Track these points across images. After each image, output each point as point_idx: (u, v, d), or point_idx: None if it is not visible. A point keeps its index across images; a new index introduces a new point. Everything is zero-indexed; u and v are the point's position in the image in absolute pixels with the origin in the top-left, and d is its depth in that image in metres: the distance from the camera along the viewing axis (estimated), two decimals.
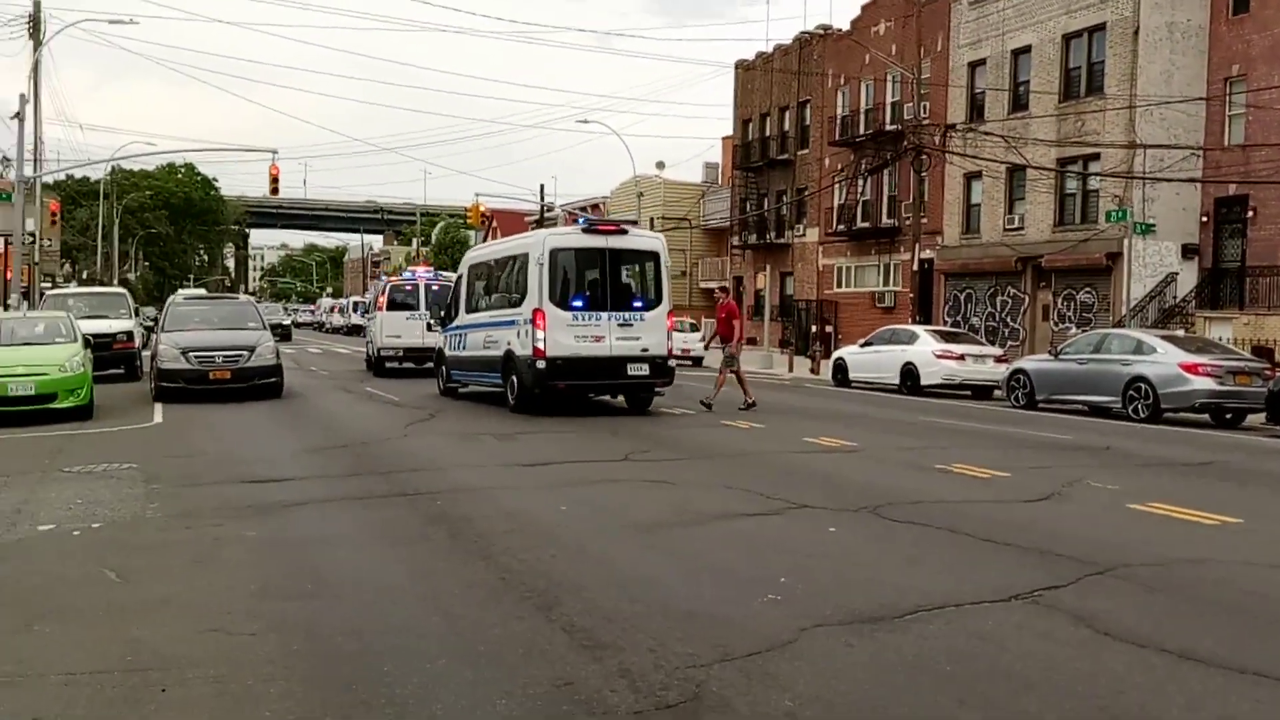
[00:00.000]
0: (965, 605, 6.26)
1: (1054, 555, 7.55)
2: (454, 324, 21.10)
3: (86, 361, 17.34)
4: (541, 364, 16.84)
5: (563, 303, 17.11)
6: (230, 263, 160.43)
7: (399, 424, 15.89)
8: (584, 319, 17.13)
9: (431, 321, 24.10)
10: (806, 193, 46.14)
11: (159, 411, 17.63)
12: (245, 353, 19.75)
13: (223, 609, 6.08)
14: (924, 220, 37.29)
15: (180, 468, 11.66)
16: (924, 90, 38.00)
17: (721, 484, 10.47)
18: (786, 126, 49.01)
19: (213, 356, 19.50)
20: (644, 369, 17.40)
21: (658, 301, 17.79)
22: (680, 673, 5.09)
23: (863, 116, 42.92)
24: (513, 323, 17.86)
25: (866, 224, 42.70)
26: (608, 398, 19.41)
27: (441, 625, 5.83)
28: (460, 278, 21.69)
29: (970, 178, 36.93)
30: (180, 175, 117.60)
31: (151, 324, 22.02)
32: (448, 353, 21.32)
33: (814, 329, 41.40)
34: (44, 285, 45.94)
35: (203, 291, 35.31)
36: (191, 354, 19.40)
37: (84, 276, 73.01)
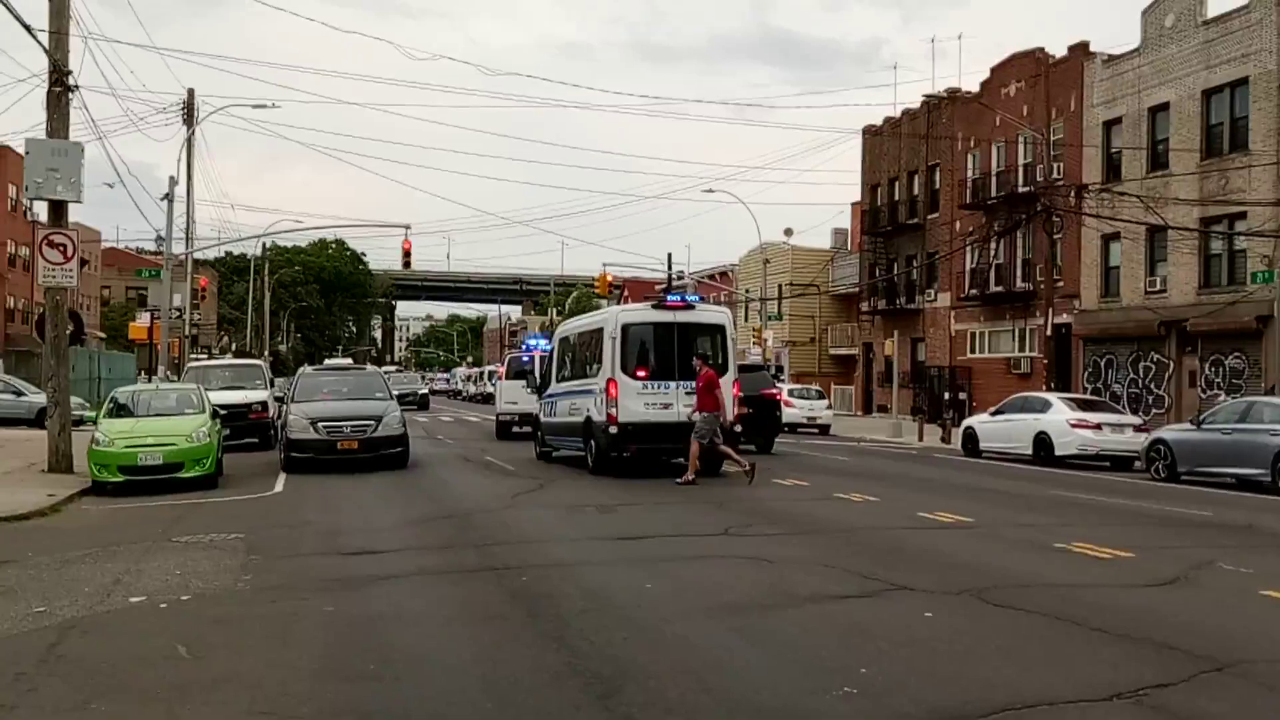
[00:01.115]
0: (1060, 704, 5.76)
1: (1169, 648, 6.93)
2: (547, 392, 22.35)
3: (214, 432, 17.88)
4: (614, 429, 18.17)
5: (633, 373, 18.41)
6: (377, 334, 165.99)
7: (507, 494, 15.88)
8: (653, 388, 18.43)
9: (528, 390, 25.38)
10: (937, 257, 45.20)
11: (281, 481, 18.04)
12: (372, 423, 19.76)
13: (280, 689, 6.01)
14: (1060, 284, 36.08)
15: (284, 538, 11.83)
16: (1057, 151, 36.98)
17: (821, 562, 10.04)
18: (916, 190, 48.27)
19: (341, 427, 19.56)
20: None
21: (723, 371, 18.71)
22: None
23: (994, 179, 41.96)
24: (590, 391, 19.17)
25: (1000, 288, 41.52)
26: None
27: (494, 713, 5.63)
28: (552, 349, 22.97)
29: (1108, 239, 35.58)
30: (331, 250, 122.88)
31: (282, 395, 22.50)
32: (542, 419, 22.63)
33: (946, 396, 40.27)
34: (195, 356, 48.16)
35: (343, 361, 36.38)
36: (320, 424, 19.49)
37: (234, 348, 76.22)
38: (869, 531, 12.19)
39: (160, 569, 9.72)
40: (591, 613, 7.86)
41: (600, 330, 19.34)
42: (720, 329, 19.48)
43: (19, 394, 33.05)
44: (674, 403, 18.39)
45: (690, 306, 19.56)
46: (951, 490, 17.26)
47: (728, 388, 18.63)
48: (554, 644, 7.01)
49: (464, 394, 78.98)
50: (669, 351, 18.69)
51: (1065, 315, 36.57)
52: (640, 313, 19.76)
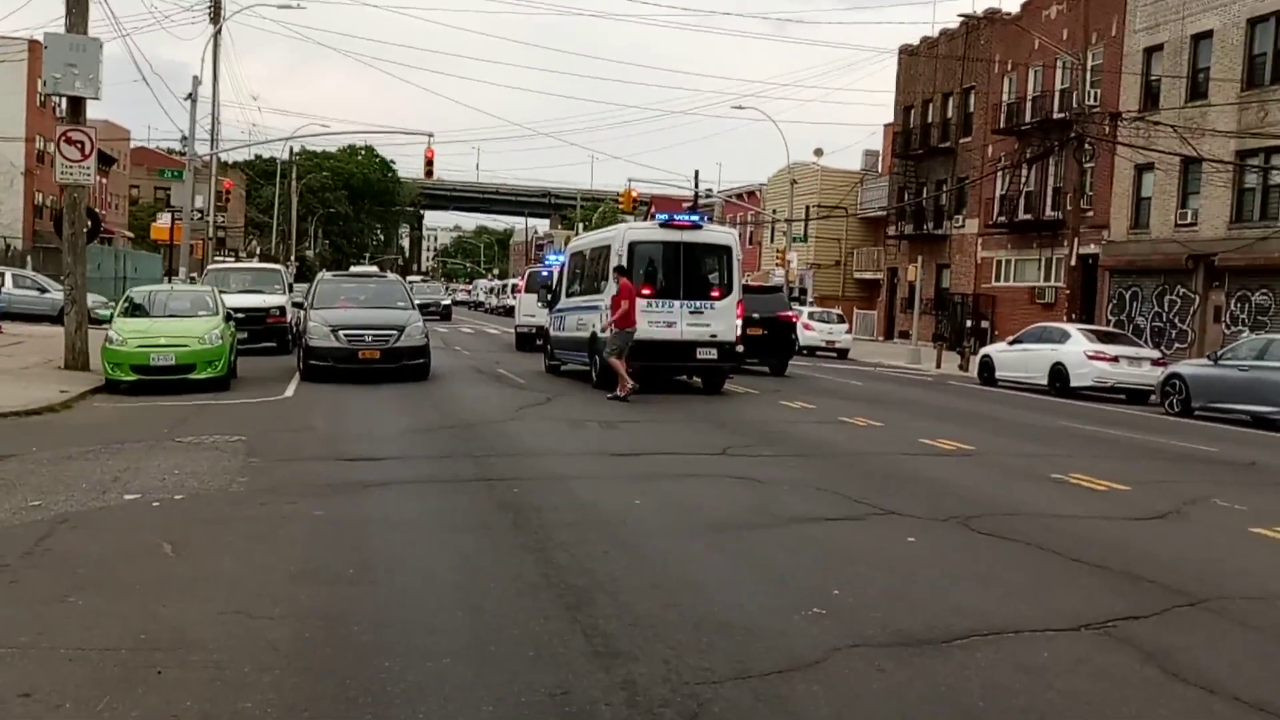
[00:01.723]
0: (1025, 633, 5.78)
1: (1146, 581, 6.93)
2: (556, 307, 22.70)
3: (227, 335, 18.00)
4: None
5: (639, 291, 18.30)
6: (405, 242, 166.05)
7: (513, 407, 15.97)
8: (657, 306, 18.53)
9: (539, 303, 25.62)
10: (967, 182, 44.55)
11: (293, 386, 18.18)
12: (395, 332, 19.21)
13: (255, 590, 6.10)
14: (1089, 214, 35.54)
15: (285, 442, 11.95)
16: (1094, 77, 36.13)
17: (813, 485, 10.07)
18: (949, 113, 47.42)
19: (362, 335, 19.03)
20: (712, 353, 18.78)
21: (728, 291, 19.03)
22: (687, 689, 4.81)
23: (1029, 104, 41.12)
24: (596, 308, 19.28)
25: (1029, 216, 40.96)
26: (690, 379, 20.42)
27: (463, 620, 5.70)
28: (562, 265, 23.01)
29: (1141, 169, 34.91)
30: (360, 157, 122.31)
31: (301, 301, 22.27)
32: (551, 333, 23.05)
33: (968, 324, 40.01)
34: (221, 258, 48.41)
35: (370, 269, 36.33)
36: (341, 332, 18.96)
37: (259, 252, 76.48)
38: (867, 456, 12.20)
39: (159, 468, 9.86)
40: (576, 526, 7.93)
41: (608, 247, 19.52)
42: (727, 249, 19.52)
43: (43, 290, 33.35)
44: (678, 321, 18.65)
45: (698, 226, 19.60)
46: (959, 418, 17.22)
47: (733, 309, 18.95)
48: (534, 555, 7.08)
49: (486, 306, 79.75)
50: (675, 270, 18.94)
51: (1093, 245, 36.06)
52: (648, 231, 19.82)
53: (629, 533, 7.81)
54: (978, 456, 12.56)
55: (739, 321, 19.13)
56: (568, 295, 22.02)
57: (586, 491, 9.38)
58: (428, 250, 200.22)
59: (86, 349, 18.60)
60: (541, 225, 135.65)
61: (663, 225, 19.39)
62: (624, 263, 18.49)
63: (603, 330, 18.58)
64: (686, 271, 18.96)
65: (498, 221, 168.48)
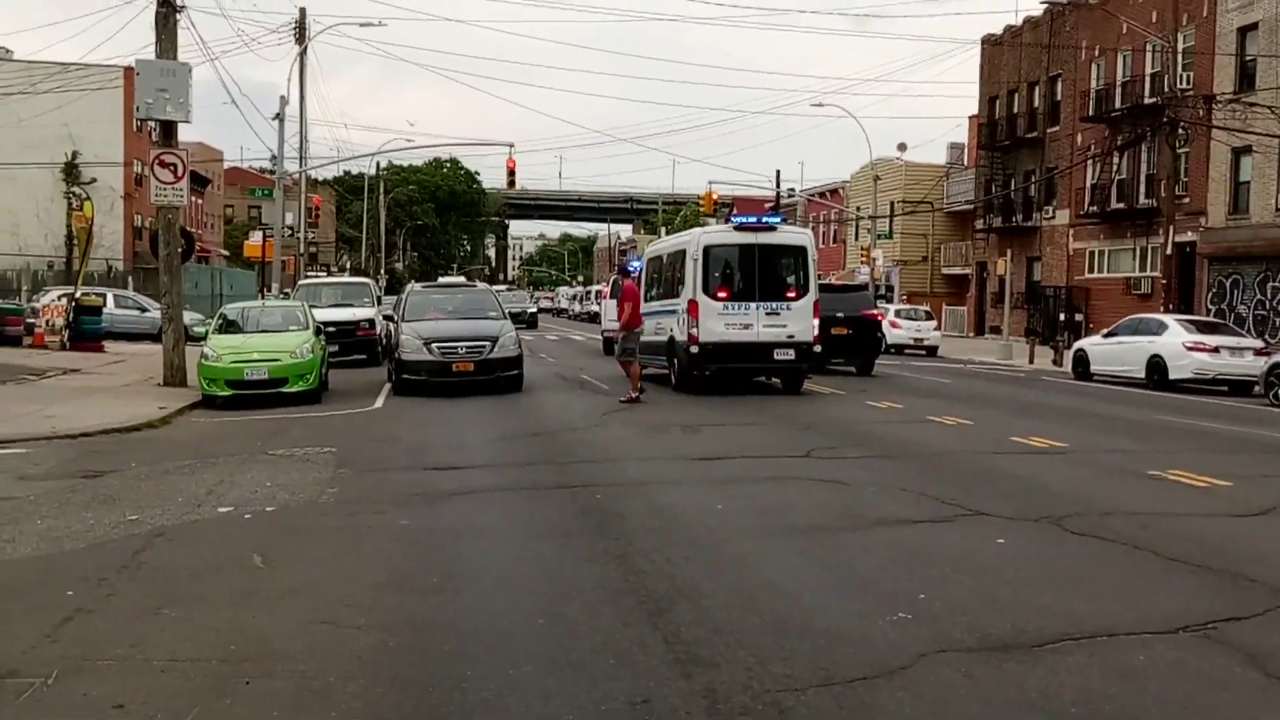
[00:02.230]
0: (1120, 635, 5.61)
1: (1248, 580, 6.68)
2: None
3: (318, 348, 18.37)
4: (695, 349, 18.63)
5: (715, 294, 18.74)
6: (491, 252, 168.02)
7: (596, 412, 16.00)
8: (733, 308, 18.74)
9: (600, 310, 25.73)
10: (1056, 172, 43.54)
11: (382, 397, 18.48)
12: (488, 344, 18.77)
13: (343, 599, 6.20)
14: (1185, 200, 34.48)
15: (375, 452, 12.15)
16: (1186, 59, 35.05)
17: (899, 486, 9.91)
18: (1036, 103, 46.40)
19: (455, 347, 18.66)
20: (790, 354, 18.87)
21: (804, 292, 19.10)
22: (769, 696, 4.77)
23: (1119, 90, 40.03)
24: (674, 311, 19.55)
25: (1122, 205, 39.83)
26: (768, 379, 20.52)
27: (544, 628, 5.72)
28: (640, 270, 22.87)
29: (1238, 153, 33.73)
30: (445, 170, 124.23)
31: (391, 313, 22.34)
32: None
33: (1061, 317, 39.08)
34: (313, 273, 49.50)
35: (457, 280, 36.73)
36: (434, 344, 18.58)
37: (349, 266, 78.01)
38: (955, 455, 11.97)
39: (252, 480, 10.09)
40: (658, 532, 7.91)
41: (684, 251, 19.64)
42: (802, 250, 19.63)
43: (143, 310, 34.40)
44: (754, 323, 18.78)
45: (771, 228, 19.73)
46: (1051, 414, 16.81)
47: (810, 309, 19.03)
48: (615, 561, 7.08)
49: (569, 312, 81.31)
50: (750, 273, 19.05)
51: (1189, 233, 34.96)
52: (722, 234, 20.06)
53: (710, 537, 7.76)
54: (1071, 454, 12.24)
55: (816, 322, 19.13)
56: (646, 300, 21.76)
57: (668, 496, 9.36)
58: (513, 259, 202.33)
59: (184, 365, 19.13)
60: (624, 231, 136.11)
61: (737, 228, 19.63)
62: (700, 265, 18.72)
63: (682, 333, 18.89)
64: (762, 273, 19.08)
65: (581, 228, 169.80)
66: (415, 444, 12.91)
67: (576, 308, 79.87)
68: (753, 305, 18.82)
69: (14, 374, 20.05)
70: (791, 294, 19.07)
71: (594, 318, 70.40)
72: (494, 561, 7.15)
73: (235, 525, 8.23)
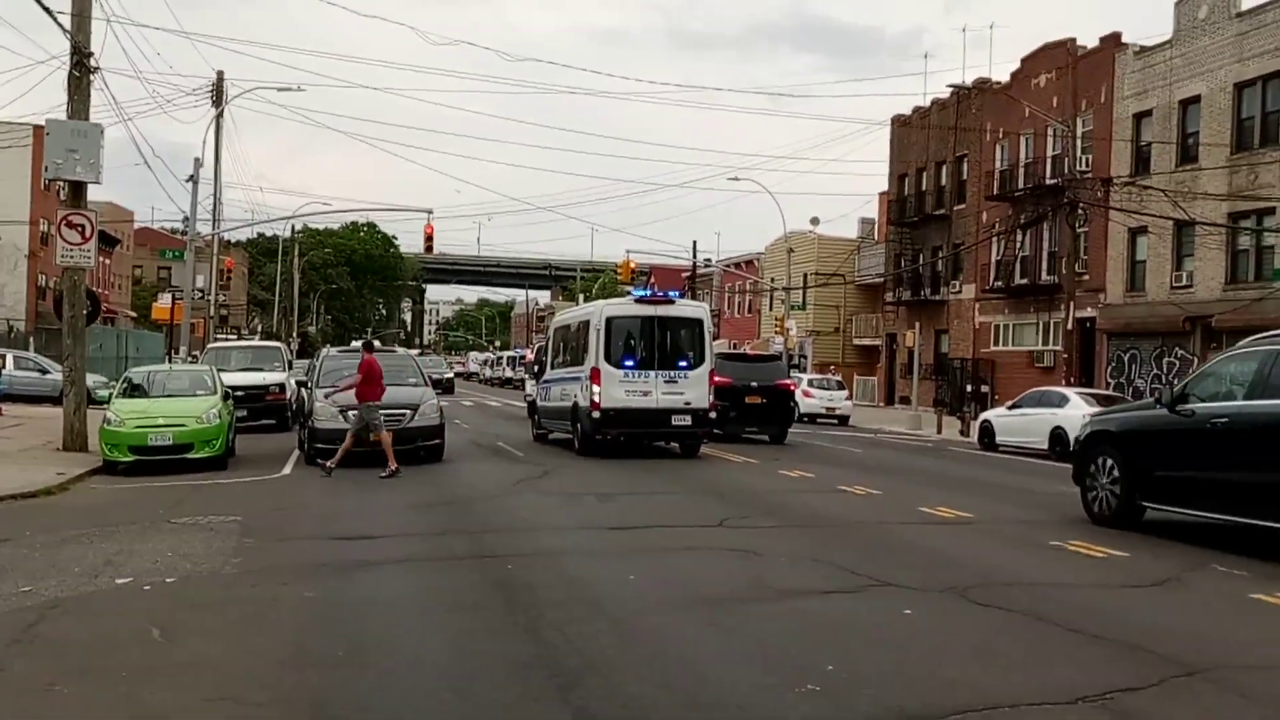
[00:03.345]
0: (1022, 706, 5.71)
1: (1145, 651, 6.85)
2: (543, 378, 24.02)
3: (225, 413, 18.03)
4: (597, 414, 19.66)
5: (616, 362, 19.93)
6: (407, 316, 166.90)
7: (510, 480, 15.93)
8: (633, 376, 19.92)
9: (526, 376, 27.01)
10: (963, 248, 44.88)
11: (290, 464, 18.15)
12: (408, 412, 18.09)
13: (245, 674, 6.05)
14: (1085, 277, 35.75)
15: (280, 521, 11.93)
16: (1085, 143, 36.58)
17: (810, 556, 10.00)
18: (943, 181, 47.93)
19: None
20: (687, 420, 20.07)
21: (700, 361, 20.39)
22: None
23: (1022, 170, 41.59)
24: (578, 378, 20.62)
25: (1025, 280, 41.19)
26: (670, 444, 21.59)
27: (452, 703, 5.64)
28: (547, 338, 24.09)
29: (1135, 233, 35.19)
30: (362, 233, 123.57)
31: (304, 379, 21.59)
32: (538, 403, 24.26)
33: (968, 389, 40.01)
34: (224, 336, 48.64)
35: (375, 343, 36.20)
36: (350, 413, 17.53)
37: (260, 330, 76.78)
38: (865, 526, 12.13)
39: (153, 550, 9.82)
40: (569, 604, 7.87)
41: (588, 322, 20.80)
42: (699, 322, 20.92)
43: (44, 371, 33.46)
44: (653, 390, 19.96)
45: (670, 301, 21.25)
46: (958, 485, 17.16)
47: (705, 377, 20.32)
48: (525, 635, 7.02)
49: (480, 376, 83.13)
50: (650, 343, 20.26)
51: (1090, 309, 36.22)
52: (624, 306, 21.28)
53: (622, 610, 7.75)
54: (977, 524, 12.49)
55: (711, 389, 20.38)
56: (552, 367, 23.10)
57: (580, 567, 9.32)
58: (429, 324, 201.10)
59: (85, 430, 18.62)
60: (543, 297, 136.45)
61: (638, 301, 21.09)
62: (602, 335, 19.89)
63: (585, 399, 19.99)
64: (661, 343, 20.30)
65: (499, 294, 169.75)
66: (324, 512, 12.70)
67: (488, 372, 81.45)
68: (652, 373, 19.98)
69: None
70: (687, 363, 20.27)
71: (505, 382, 72.28)
72: (401, 635, 7.04)
73: (134, 597, 7.99)
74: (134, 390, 18.67)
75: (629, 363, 20.05)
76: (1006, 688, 6.02)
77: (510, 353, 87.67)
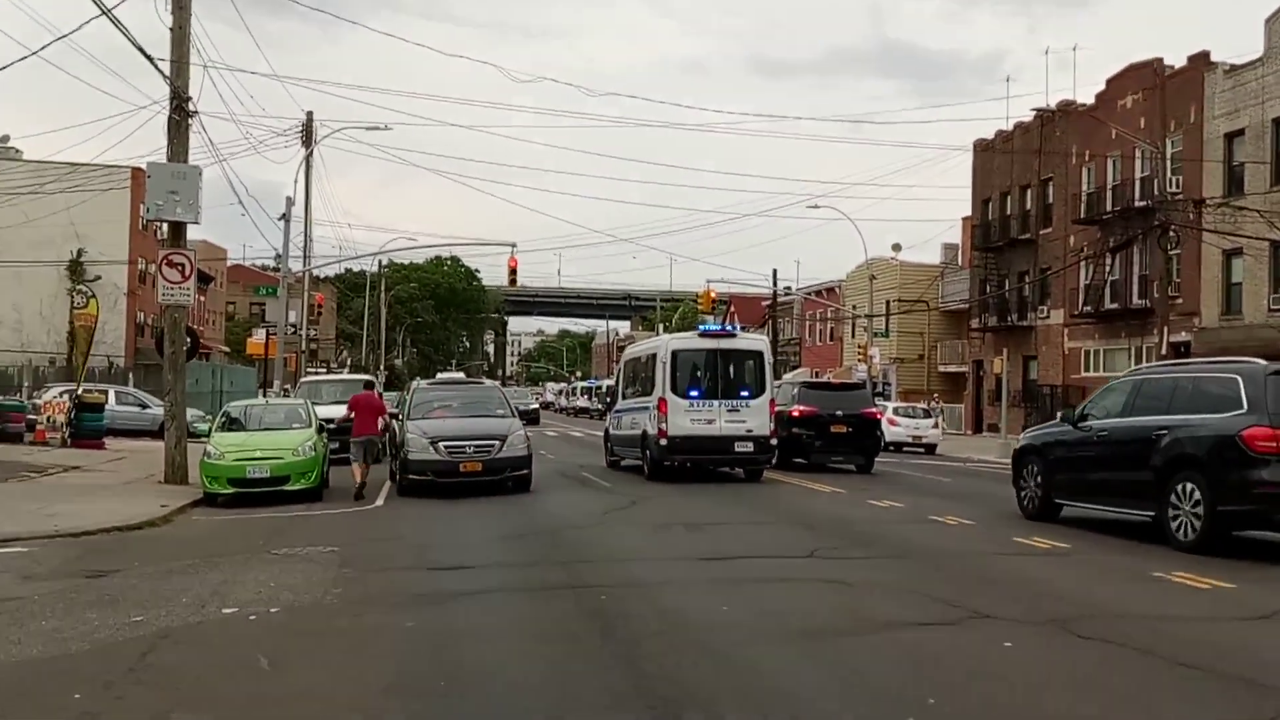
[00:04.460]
0: None
1: (1258, 686, 6.66)
2: (615, 408, 25.48)
3: (320, 446, 18.43)
4: (664, 441, 20.79)
5: (682, 393, 21.01)
6: (490, 348, 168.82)
7: (599, 510, 16.01)
8: (698, 405, 20.98)
9: (600, 406, 28.71)
10: (1050, 273, 44.12)
11: (383, 495, 18.45)
12: (497, 443, 18.33)
13: (350, 704, 6.18)
14: (1178, 301, 34.91)
15: (376, 552, 12.15)
16: (1175, 164, 35.82)
17: (905, 588, 9.89)
18: (1028, 205, 47.24)
19: (463, 447, 18.20)
20: (749, 446, 21.02)
21: (761, 391, 21.43)
22: None
23: (1109, 193, 40.81)
24: (646, 408, 21.79)
25: (1115, 305, 40.33)
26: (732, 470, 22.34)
27: None
28: (619, 371, 25.60)
29: (1229, 255, 34.29)
30: (446, 267, 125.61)
31: (395, 410, 22.03)
32: (610, 431, 25.33)
33: (1058, 416, 39.18)
34: (313, 370, 49.73)
35: (456, 375, 36.83)
36: (441, 444, 18.13)
37: (349, 363, 78.28)
38: (960, 556, 11.95)
39: (256, 581, 10.07)
40: (664, 634, 7.89)
41: (655, 355, 22.03)
42: (759, 354, 22.12)
43: (144, 406, 34.49)
44: (717, 419, 20.97)
45: (732, 335, 23.00)
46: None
47: (766, 406, 21.30)
48: (622, 665, 7.06)
49: (555, 406, 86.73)
50: (713, 374, 21.37)
51: (1183, 333, 35.32)
52: (688, 340, 22.65)
53: (718, 641, 7.74)
54: (1074, 555, 12.22)
55: (772, 417, 21.39)
56: (623, 398, 24.45)
57: (674, 598, 9.33)
58: (512, 355, 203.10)
59: (185, 463, 19.15)
60: (623, 327, 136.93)
61: (701, 335, 22.69)
62: (668, 368, 21.06)
63: (653, 428, 21.10)
64: (723, 375, 21.39)
65: (579, 325, 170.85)
66: (418, 543, 12.90)
67: (563, 401, 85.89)
68: (715, 402, 21.01)
69: (15, 471, 20.05)
70: (749, 393, 21.27)
71: (580, 412, 76.38)
72: (499, 664, 7.12)
73: (241, 627, 8.20)
74: (232, 424, 19.17)
75: (694, 393, 21.07)
76: None
77: (584, 383, 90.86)
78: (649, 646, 7.52)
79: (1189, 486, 12.14)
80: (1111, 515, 14.01)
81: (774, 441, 21.51)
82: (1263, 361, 12.70)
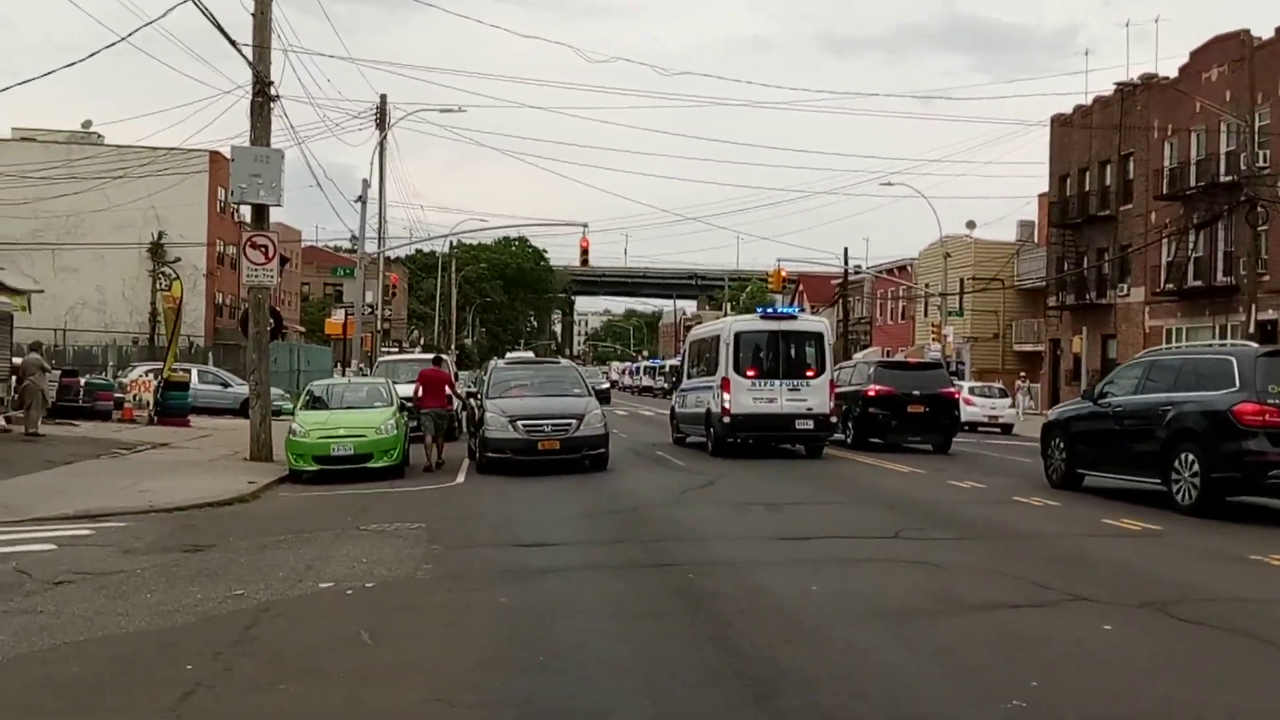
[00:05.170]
0: None
1: None
2: (680, 387, 26.40)
3: (401, 424, 18.69)
4: (727, 419, 21.52)
5: (744, 372, 21.75)
6: (557, 328, 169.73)
7: (676, 489, 16.05)
8: (760, 385, 21.71)
9: (665, 385, 29.76)
10: (1131, 250, 43.14)
11: (463, 472, 18.68)
12: (574, 421, 18.57)
13: (453, 677, 6.28)
14: (1265, 278, 33.95)
15: (461, 529, 12.31)
16: (1262, 138, 34.75)
17: (993, 569, 9.78)
18: (1108, 181, 46.16)
19: (541, 425, 18.39)
20: (809, 424, 21.75)
21: (821, 371, 22.21)
22: None
23: (1193, 168, 39.71)
24: (710, 387, 22.51)
25: (1199, 282, 39.31)
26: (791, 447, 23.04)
27: (652, 711, 5.74)
28: (684, 351, 26.51)
29: None
30: (514, 248, 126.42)
31: (473, 389, 22.28)
32: (676, 410, 26.15)
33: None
34: (386, 350, 50.36)
35: (525, 355, 37.16)
36: (519, 422, 18.35)
37: (422, 342, 79.19)
38: (1047, 538, 11.79)
39: (348, 556, 10.26)
40: (753, 613, 7.90)
41: (719, 337, 22.78)
42: (819, 335, 22.84)
43: (225, 385, 35.23)
44: (778, 397, 21.70)
45: (793, 317, 23.77)
46: (1140, 495, 16.43)
47: (826, 386, 21.98)
48: (714, 643, 7.08)
49: (619, 384, 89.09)
50: (774, 355, 22.15)
51: (1271, 311, 34.35)
52: (750, 322, 23.38)
53: (808, 620, 7.73)
54: (1166, 537, 11.98)
55: (831, 396, 22.05)
56: (689, 377, 25.33)
57: (760, 577, 9.33)
58: (579, 334, 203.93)
59: (270, 441, 19.54)
60: (689, 307, 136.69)
61: (763, 317, 23.30)
62: (731, 349, 21.84)
63: (717, 406, 21.81)
64: (784, 355, 22.14)
65: (646, 304, 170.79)
66: (501, 520, 13.05)
67: (627, 380, 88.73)
68: (777, 382, 21.76)
69: (107, 448, 20.61)
70: (810, 373, 21.99)
71: (643, 390, 79.02)
72: (594, 640, 7.19)
73: (339, 601, 8.37)
74: (316, 402, 19.50)
75: (755, 372, 21.81)
76: (1225, 708, 5.79)
77: (648, 363, 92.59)
78: (740, 624, 7.54)
79: (1189, 456, 13.43)
80: (1128, 484, 15.19)
81: (834, 420, 22.21)
82: (1255, 345, 14.90)
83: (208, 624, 7.61)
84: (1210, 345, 15.39)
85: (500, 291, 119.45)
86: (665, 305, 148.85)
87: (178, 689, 6.01)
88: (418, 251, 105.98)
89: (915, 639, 7.29)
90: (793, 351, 22.32)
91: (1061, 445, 16.55)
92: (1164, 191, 40.74)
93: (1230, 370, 13.42)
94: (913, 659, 6.81)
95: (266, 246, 19.94)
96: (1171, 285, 40.41)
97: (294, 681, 6.17)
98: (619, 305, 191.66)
